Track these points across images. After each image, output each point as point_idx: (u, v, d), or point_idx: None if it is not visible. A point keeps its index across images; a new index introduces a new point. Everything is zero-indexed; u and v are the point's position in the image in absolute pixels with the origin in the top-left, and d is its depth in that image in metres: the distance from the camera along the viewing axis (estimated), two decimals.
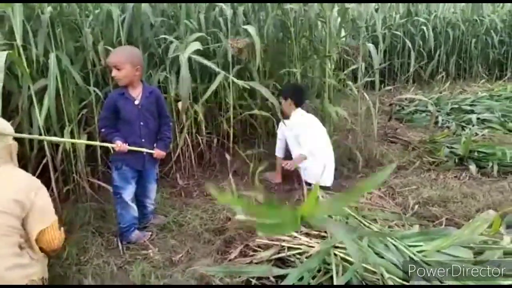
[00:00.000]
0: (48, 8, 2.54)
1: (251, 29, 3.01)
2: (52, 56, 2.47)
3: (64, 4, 2.72)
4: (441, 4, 7.18)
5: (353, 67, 3.64)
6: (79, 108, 2.76)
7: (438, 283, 1.47)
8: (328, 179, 3.03)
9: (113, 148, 2.23)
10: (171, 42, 3.01)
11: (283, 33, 3.68)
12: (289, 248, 2.04)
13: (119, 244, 2.33)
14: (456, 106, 5.11)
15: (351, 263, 1.82)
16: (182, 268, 2.10)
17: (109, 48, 2.73)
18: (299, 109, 3.20)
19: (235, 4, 3.42)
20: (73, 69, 2.62)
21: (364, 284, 1.73)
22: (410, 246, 1.88)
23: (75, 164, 2.71)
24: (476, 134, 3.94)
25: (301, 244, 2.06)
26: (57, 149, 2.63)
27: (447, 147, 3.69)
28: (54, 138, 2.43)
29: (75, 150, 2.69)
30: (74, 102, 2.72)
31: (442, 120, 4.68)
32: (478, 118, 4.60)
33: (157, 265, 2.15)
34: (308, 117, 3.22)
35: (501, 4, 7.65)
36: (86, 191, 2.74)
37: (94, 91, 2.78)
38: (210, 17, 3.42)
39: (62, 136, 2.58)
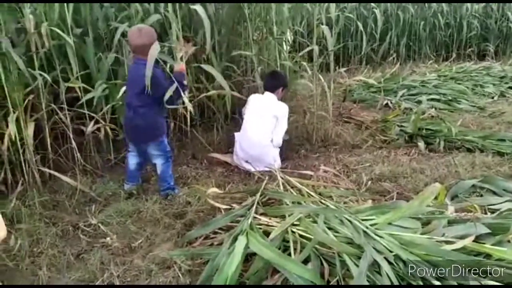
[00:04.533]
0: None
1: (199, 9, 2.95)
2: None
3: None
4: None
5: (308, 49, 3.68)
6: (24, 94, 2.61)
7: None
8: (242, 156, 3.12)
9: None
10: (122, 23, 2.91)
11: (238, 15, 3.64)
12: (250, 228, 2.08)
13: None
14: (407, 88, 5.32)
15: (308, 239, 1.88)
16: (142, 254, 2.08)
17: (55, 29, 2.59)
18: (266, 93, 3.23)
19: None
20: (15, 52, 2.46)
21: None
22: (363, 220, 1.97)
23: (23, 153, 2.58)
24: (424, 113, 4.14)
25: (261, 225, 2.10)
26: (1, 137, 2.48)
27: (398, 125, 3.86)
28: None
29: (22, 139, 2.56)
30: (18, 87, 2.57)
31: (393, 101, 4.87)
32: (427, 99, 4.84)
33: (116, 252, 2.12)
34: (251, 98, 3.27)
35: None
36: (36, 180, 2.62)
37: (41, 75, 2.63)
38: None
39: (6, 125, 2.45)
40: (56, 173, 2.65)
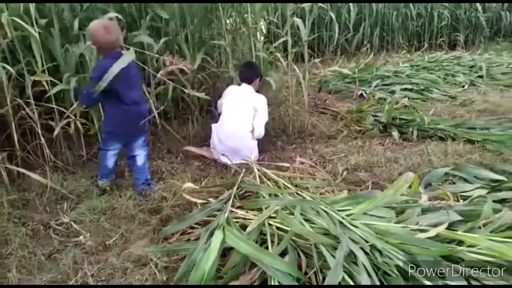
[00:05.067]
0: None
1: None
2: None
3: None
4: None
5: (282, 39, 3.65)
6: None
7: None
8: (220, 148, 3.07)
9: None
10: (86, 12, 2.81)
11: (210, 4, 3.57)
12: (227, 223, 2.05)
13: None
14: (380, 78, 5.38)
15: (285, 231, 1.88)
16: (117, 252, 2.03)
17: (16, 19, 2.47)
18: (243, 84, 3.22)
19: None
20: None
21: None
22: (339, 210, 1.98)
23: None
24: (397, 103, 4.20)
25: (238, 218, 2.08)
26: None
27: (372, 115, 3.91)
28: None
29: None
30: None
31: (367, 91, 4.92)
32: (401, 89, 4.93)
33: (90, 250, 2.06)
34: (229, 90, 3.23)
35: None
36: (4, 179, 2.51)
37: (4, 68, 2.51)
38: None
39: None
40: (24, 171, 2.54)
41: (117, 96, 2.44)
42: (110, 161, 2.64)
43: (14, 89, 2.70)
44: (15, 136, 2.66)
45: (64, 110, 2.79)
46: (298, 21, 3.42)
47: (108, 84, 2.36)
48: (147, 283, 1.80)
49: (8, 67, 2.52)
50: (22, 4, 2.61)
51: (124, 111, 2.49)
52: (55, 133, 2.75)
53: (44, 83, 2.70)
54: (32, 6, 2.59)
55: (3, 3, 2.55)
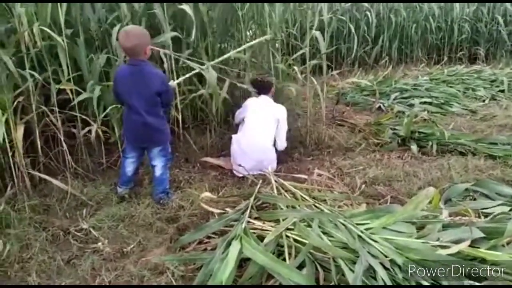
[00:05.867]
0: None
1: (187, 8, 2.94)
2: None
3: None
4: None
5: (301, 52, 3.67)
6: (14, 96, 2.56)
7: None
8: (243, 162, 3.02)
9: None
10: (112, 24, 2.87)
11: (231, 16, 3.62)
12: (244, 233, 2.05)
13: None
14: (399, 91, 5.34)
15: (303, 243, 1.87)
16: (134, 259, 2.05)
17: (45, 29, 2.55)
18: (262, 96, 3.23)
19: None
20: (4, 53, 2.42)
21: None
22: (358, 224, 1.96)
23: (12, 156, 2.53)
24: (416, 116, 4.15)
25: (255, 229, 2.08)
26: None
27: (391, 129, 3.87)
28: None
29: (11, 141, 2.51)
30: (7, 89, 2.51)
31: (386, 103, 4.89)
32: (420, 102, 4.87)
33: (108, 257, 2.08)
34: (249, 101, 3.23)
35: None
36: (26, 184, 2.57)
37: (32, 76, 2.58)
38: None
39: None
40: (46, 177, 2.60)
41: (125, 103, 2.53)
42: (129, 169, 2.67)
43: (39, 96, 2.78)
44: (39, 142, 2.73)
45: (87, 118, 2.86)
46: (317, 33, 3.44)
47: (114, 88, 2.52)
48: None
49: (36, 74, 2.59)
50: (49, 14, 2.70)
51: (130, 119, 2.54)
52: (92, 135, 2.84)
53: (69, 92, 2.78)
54: (62, 16, 2.67)
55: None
